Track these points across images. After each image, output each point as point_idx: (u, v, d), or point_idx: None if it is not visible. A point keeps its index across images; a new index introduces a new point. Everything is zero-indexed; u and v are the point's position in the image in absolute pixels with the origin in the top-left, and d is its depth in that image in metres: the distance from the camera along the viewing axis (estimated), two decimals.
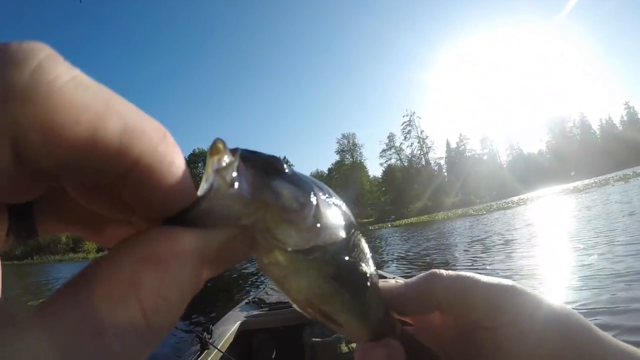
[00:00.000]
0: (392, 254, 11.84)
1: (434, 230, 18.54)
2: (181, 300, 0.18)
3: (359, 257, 0.29)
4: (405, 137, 75.48)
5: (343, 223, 0.27)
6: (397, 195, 67.24)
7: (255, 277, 11.48)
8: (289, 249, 0.23)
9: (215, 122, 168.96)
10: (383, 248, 14.59)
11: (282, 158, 0.22)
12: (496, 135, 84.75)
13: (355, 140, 79.06)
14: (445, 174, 74.55)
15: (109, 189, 0.19)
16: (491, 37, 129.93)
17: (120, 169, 0.17)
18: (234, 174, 0.21)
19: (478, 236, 11.96)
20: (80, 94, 0.15)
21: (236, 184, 0.21)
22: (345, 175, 75.03)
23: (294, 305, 0.27)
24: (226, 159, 0.21)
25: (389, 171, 73.89)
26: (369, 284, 0.30)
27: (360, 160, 77.35)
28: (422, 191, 66.03)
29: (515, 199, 41.69)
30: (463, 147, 76.07)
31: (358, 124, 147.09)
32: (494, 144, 79.71)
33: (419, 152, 74.47)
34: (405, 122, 75.60)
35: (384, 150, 76.40)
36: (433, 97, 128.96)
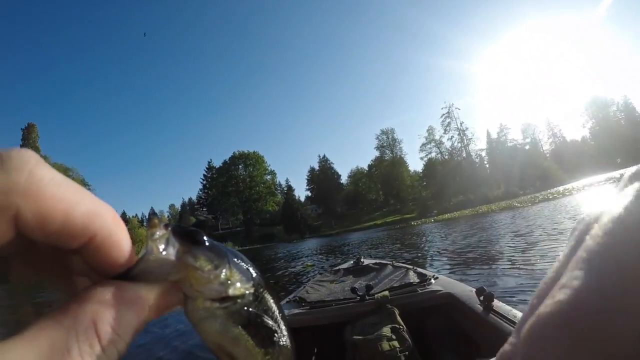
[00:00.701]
0: (434, 250, 11.39)
1: (477, 225, 17.76)
2: (129, 335, 0.25)
3: (264, 310, 0.33)
4: (445, 130, 73.99)
5: (251, 282, 0.32)
6: (439, 189, 65.85)
7: (296, 276, 11.46)
8: (206, 298, 0.29)
9: (257, 122, 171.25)
10: (425, 244, 14.12)
11: (204, 230, 0.31)
12: (538, 123, 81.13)
13: (395, 135, 78.64)
14: (487, 165, 72.68)
15: (75, 251, 0.26)
16: (531, 23, 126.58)
17: (84, 239, 0.24)
18: (164, 244, 0.28)
19: (523, 230, 11.31)
20: (58, 190, 0.22)
21: (166, 250, 0.28)
22: (385, 171, 74.54)
23: (210, 348, 0.32)
24: (159, 232, 0.28)
25: (430, 165, 72.43)
26: (274, 334, 0.34)
27: (400, 156, 76.82)
28: (463, 184, 64.38)
29: (560, 189, 40.24)
30: (504, 137, 73.64)
31: (396, 119, 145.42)
32: (536, 132, 77.61)
33: (459, 144, 72.98)
34: (444, 114, 74.34)
35: (423, 144, 74.88)
36: (472, 86, 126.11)
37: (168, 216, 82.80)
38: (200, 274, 0.29)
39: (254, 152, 77.64)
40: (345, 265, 3.60)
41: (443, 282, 2.52)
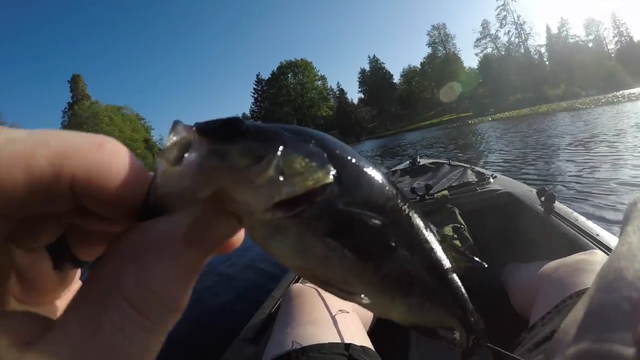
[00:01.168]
0: (491, 150, 11.02)
1: (536, 125, 16.77)
2: (173, 286, 0.19)
3: (363, 200, 0.23)
4: (501, 24, 68.93)
5: (328, 164, 0.22)
6: (495, 87, 62.52)
7: None
8: (260, 209, 0.21)
9: (302, 29, 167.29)
10: (482, 144, 13.69)
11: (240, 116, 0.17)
12: (602, 19, 73.79)
13: (447, 31, 73.76)
14: (547, 63, 67.41)
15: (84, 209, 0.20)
16: None
17: (64, 189, 0.18)
18: (181, 152, 0.20)
19: (583, 134, 10.56)
20: (10, 148, 0.17)
21: (184, 162, 0.20)
22: (438, 69, 71.20)
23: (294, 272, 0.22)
24: (177, 137, 0.21)
25: (485, 61, 68.36)
26: (386, 236, 0.24)
27: (453, 52, 72.71)
28: (522, 82, 60.61)
29: (625, 92, 36.52)
30: (565, 33, 67.59)
31: (448, 13, 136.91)
32: (600, 29, 70.15)
33: (516, 39, 68.02)
34: (499, 6, 69.06)
35: (478, 40, 70.68)
36: None
37: None
38: (236, 175, 0.21)
39: (301, 60, 76.10)
40: (401, 166, 3.54)
41: (502, 181, 2.44)
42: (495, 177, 2.51)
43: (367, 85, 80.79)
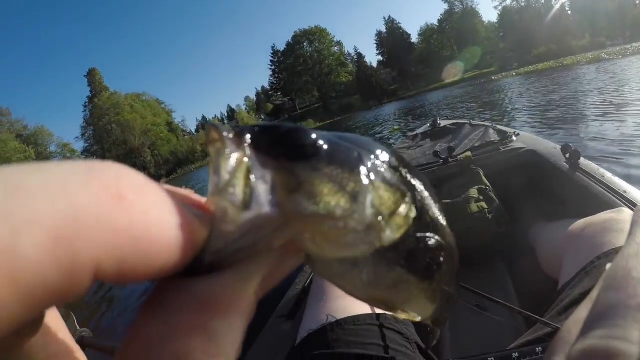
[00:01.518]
0: (515, 107, 10.62)
1: (561, 78, 15.92)
2: (238, 339, 0.17)
3: (425, 227, 0.22)
4: None
5: (408, 191, 0.20)
6: (517, 41, 59.72)
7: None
8: (346, 257, 0.18)
9: None
10: (505, 100, 13.14)
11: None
12: None
13: None
14: (569, 13, 63.17)
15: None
16: None
17: (82, 288, 0.13)
18: (246, 186, 0.16)
19: (611, 86, 9.98)
20: None
21: (251, 202, 0.16)
22: (457, 25, 68.89)
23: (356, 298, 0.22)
24: (228, 151, 0.16)
25: (505, 14, 65.41)
26: (438, 254, 0.24)
27: (471, 6, 69.77)
28: (544, 34, 57.50)
29: None
30: None
31: None
32: None
33: None
34: None
35: None
36: None
37: (246, 109, 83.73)
38: (330, 222, 0.16)
39: (316, 27, 74.87)
40: (422, 129, 3.46)
41: (525, 139, 2.38)
42: (518, 134, 2.44)
43: (385, 47, 79.01)
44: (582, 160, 1.85)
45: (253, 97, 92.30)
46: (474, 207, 1.97)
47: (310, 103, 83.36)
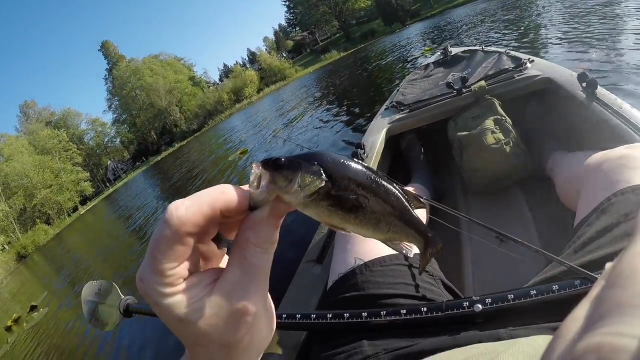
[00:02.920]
0: (548, 23, 8.94)
1: None
2: (268, 234, 0.39)
3: (344, 188, 0.41)
4: None
5: (321, 176, 0.39)
6: None
7: (415, 62, 10.99)
8: (296, 201, 0.39)
9: None
10: (536, 14, 11.20)
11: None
12: None
13: None
14: None
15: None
16: None
17: (219, 217, 0.37)
18: (259, 182, 0.39)
19: None
20: (194, 209, 0.36)
21: (260, 187, 0.38)
22: None
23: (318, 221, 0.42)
24: (255, 171, 0.39)
25: None
26: (359, 203, 0.42)
27: None
28: None
29: None
30: None
31: None
32: None
33: None
34: None
35: None
36: None
37: (266, 50, 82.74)
38: (283, 189, 0.38)
39: None
40: (433, 59, 3.36)
41: (540, 65, 2.26)
42: (533, 61, 2.32)
43: None
44: (600, 90, 1.76)
45: (272, 37, 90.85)
46: (490, 138, 1.90)
47: (331, 34, 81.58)
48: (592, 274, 0.84)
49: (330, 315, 1.03)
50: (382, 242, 0.48)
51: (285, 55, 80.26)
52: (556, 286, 0.87)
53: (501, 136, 1.92)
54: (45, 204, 43.65)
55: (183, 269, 0.37)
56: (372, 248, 1.18)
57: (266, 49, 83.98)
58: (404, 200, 0.47)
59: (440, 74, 2.92)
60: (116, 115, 64.70)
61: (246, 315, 0.37)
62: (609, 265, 0.26)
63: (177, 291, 0.36)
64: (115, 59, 63.91)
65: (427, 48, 12.95)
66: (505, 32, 10.46)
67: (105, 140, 64.44)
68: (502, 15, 14.63)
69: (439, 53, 3.41)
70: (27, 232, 38.91)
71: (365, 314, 0.99)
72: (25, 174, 43.31)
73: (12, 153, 44.85)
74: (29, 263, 28.53)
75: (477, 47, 3.07)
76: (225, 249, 0.45)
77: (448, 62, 3.10)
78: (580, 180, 1.29)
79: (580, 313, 0.26)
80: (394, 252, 1.06)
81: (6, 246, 35.86)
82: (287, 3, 75.33)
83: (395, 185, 0.46)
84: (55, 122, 57.79)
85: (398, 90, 2.93)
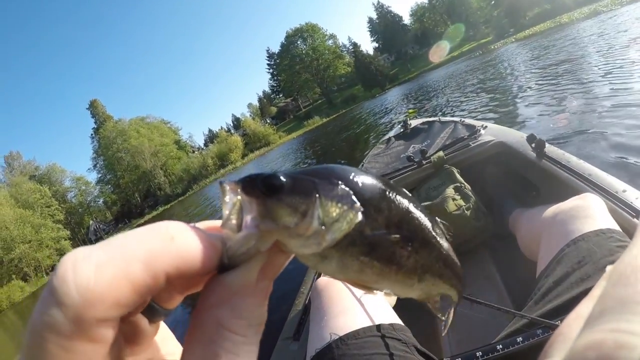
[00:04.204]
0: (520, 74, 10.54)
1: (560, 39, 15.64)
2: (256, 311, 0.27)
3: (383, 224, 0.29)
4: None
5: (355, 204, 0.28)
6: (510, 6, 56.95)
7: (366, 143, 11.22)
8: (307, 252, 0.27)
9: None
10: (508, 69, 13.04)
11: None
12: None
13: None
14: None
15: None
16: None
17: (162, 284, 0.23)
18: (239, 217, 0.26)
19: (617, 39, 9.61)
20: (108, 272, 0.21)
21: (242, 226, 0.25)
22: (447, 0, 67.89)
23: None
24: (228, 199, 0.26)
25: None
26: (404, 245, 0.31)
27: None
28: None
29: None
30: None
31: None
32: None
33: None
34: None
35: None
36: None
37: (250, 116, 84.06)
38: (288, 232, 0.26)
39: (306, 24, 74.77)
40: (393, 133, 3.54)
41: (493, 130, 2.44)
42: (486, 127, 2.50)
43: (379, 33, 78.82)
44: (548, 148, 1.91)
45: (255, 102, 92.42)
46: (451, 205, 2.05)
47: (313, 100, 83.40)
48: (552, 322, 0.90)
49: None
50: (418, 299, 0.37)
51: (269, 121, 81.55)
52: (520, 338, 0.94)
53: (462, 202, 2.05)
54: (22, 259, 42.09)
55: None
56: (346, 321, 1.19)
57: (250, 115, 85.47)
58: (447, 240, 0.38)
59: (401, 146, 3.06)
60: (100, 175, 64.38)
61: None
62: (609, 267, 0.25)
63: None
64: (103, 118, 64.15)
65: (411, 110, 13.31)
66: (470, 93, 11.26)
67: (88, 199, 63.50)
68: (468, 78, 15.54)
69: (400, 126, 3.58)
70: (2, 286, 37.42)
71: None
72: (4, 226, 42.17)
73: None
74: (2, 319, 27.63)
75: (434, 118, 3.25)
76: (160, 322, 0.32)
77: (408, 134, 3.26)
78: (538, 234, 1.39)
79: (582, 310, 0.25)
80: (367, 324, 1.17)
81: None
82: (271, 70, 77.28)
83: (435, 219, 0.37)
84: (39, 177, 57.12)
85: (362, 165, 3.08)
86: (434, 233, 0.35)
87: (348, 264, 0.28)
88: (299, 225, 0.26)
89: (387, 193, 0.30)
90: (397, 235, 0.30)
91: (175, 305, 0.31)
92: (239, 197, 0.26)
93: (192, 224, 0.27)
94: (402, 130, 3.44)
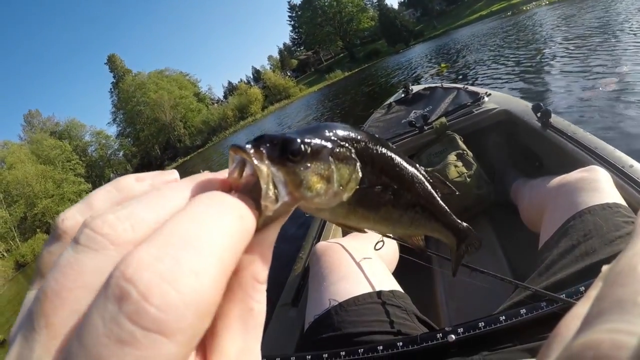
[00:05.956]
0: (552, 39, 9.86)
1: (597, 3, 14.02)
2: (270, 259, 0.27)
3: (372, 175, 0.33)
4: None
5: (356, 165, 0.31)
6: None
7: (382, 101, 11.06)
8: (323, 208, 0.30)
9: None
10: (537, 34, 12.25)
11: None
12: None
13: None
14: None
15: None
16: None
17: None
18: (273, 187, 0.26)
19: None
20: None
21: (278, 196, 0.26)
22: None
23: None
24: (262, 170, 0.26)
25: None
26: (382, 196, 0.35)
27: None
28: None
29: None
30: None
31: None
32: None
33: None
34: None
35: None
36: None
37: (270, 68, 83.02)
38: (315, 193, 0.28)
39: None
40: (394, 97, 3.48)
41: (497, 98, 2.40)
42: (490, 94, 2.46)
43: None
44: (554, 118, 1.87)
45: (276, 55, 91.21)
46: (453, 172, 2.03)
47: (335, 53, 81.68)
48: (556, 295, 0.90)
49: (309, 357, 1.04)
50: (398, 238, 0.40)
51: (289, 74, 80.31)
52: (523, 310, 0.93)
53: (463, 169, 2.03)
54: (46, 213, 42.90)
55: None
56: (345, 287, 1.18)
57: (270, 67, 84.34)
58: (430, 188, 0.41)
59: (402, 112, 3.03)
60: (120, 129, 64.77)
61: None
62: (605, 267, 0.25)
63: None
64: (122, 72, 64.10)
65: (443, 64, 12.99)
66: (494, 57, 10.77)
67: (109, 152, 64.04)
68: (495, 40, 14.95)
69: (401, 91, 3.53)
70: (26, 240, 38.32)
71: (343, 353, 1.01)
72: (27, 183, 43.03)
73: (15, 161, 44.72)
74: (27, 272, 28.45)
75: (437, 84, 3.19)
76: None
77: (409, 100, 3.21)
78: (542, 204, 1.38)
79: (579, 310, 0.25)
80: (367, 291, 1.17)
81: (5, 253, 35.46)
82: (292, 22, 75.69)
83: (417, 167, 0.40)
84: (59, 133, 57.82)
85: (363, 128, 3.02)
86: (412, 181, 0.38)
87: (337, 212, 0.32)
88: (325, 190, 0.28)
89: (379, 151, 0.34)
90: (380, 185, 0.34)
91: None
92: (266, 165, 0.26)
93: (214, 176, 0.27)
94: (403, 95, 3.38)
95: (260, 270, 0.25)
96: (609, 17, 10.25)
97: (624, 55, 5.70)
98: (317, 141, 0.29)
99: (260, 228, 0.26)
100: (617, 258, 0.25)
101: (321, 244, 1.43)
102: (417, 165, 0.39)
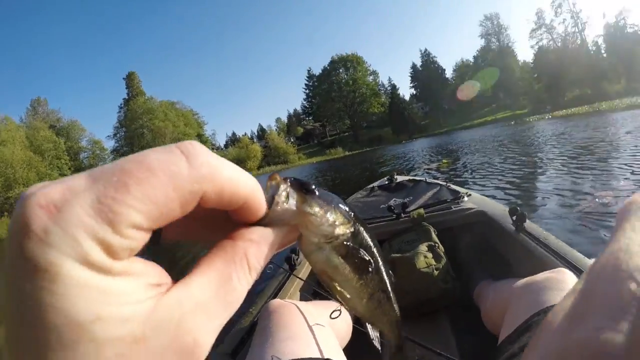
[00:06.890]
0: (551, 151, 10.51)
1: (598, 125, 15.39)
2: (264, 263, 0.31)
3: (360, 244, 0.40)
4: (556, 13, 63.53)
5: (351, 222, 0.38)
6: (552, 82, 58.45)
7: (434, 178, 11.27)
8: (317, 236, 0.36)
9: (353, 22, 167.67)
10: (540, 144, 13.01)
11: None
12: None
13: (500, 21, 70.59)
14: (604, 55, 60.11)
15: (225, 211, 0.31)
16: None
17: (240, 204, 0.29)
18: (286, 196, 0.33)
19: None
20: (228, 172, 0.27)
21: (287, 202, 0.33)
22: (492, 63, 68.01)
23: (316, 272, 0.40)
24: (282, 187, 0.33)
25: (541, 54, 63.73)
26: (367, 265, 0.41)
27: (507, 44, 69.50)
28: (579, 77, 55.84)
29: None
30: (623, 21, 58.56)
31: (501, 1, 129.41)
32: None
33: (573, 28, 62.36)
34: None
35: (533, 30, 65.65)
36: None
37: (276, 129, 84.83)
38: (314, 218, 0.34)
39: (352, 54, 75.58)
40: (378, 183, 3.57)
41: (476, 199, 2.47)
42: (470, 195, 2.54)
43: (419, 80, 78.81)
44: (528, 223, 1.93)
45: (284, 118, 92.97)
46: (422, 262, 2.04)
47: (340, 130, 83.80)
48: None
49: None
50: (365, 319, 0.46)
51: (292, 140, 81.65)
52: None
53: (432, 261, 2.04)
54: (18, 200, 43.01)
55: (143, 239, 0.23)
56: (292, 347, 1.14)
57: (276, 129, 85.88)
58: (390, 285, 0.47)
59: (383, 197, 3.08)
60: (117, 145, 64.78)
61: (195, 355, 0.25)
62: (590, 262, 0.33)
63: (123, 271, 0.22)
64: (136, 92, 65.12)
65: (444, 161, 13.40)
66: (493, 162, 11.01)
67: (99, 164, 62.96)
68: (496, 146, 15.45)
69: (385, 179, 3.60)
70: None
71: None
72: (11, 164, 42.71)
73: (7, 139, 44.43)
74: None
75: (421, 178, 3.28)
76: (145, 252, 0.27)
77: (392, 187, 3.28)
78: (505, 304, 1.35)
79: (565, 304, 0.27)
80: (314, 355, 1.12)
81: None
82: (307, 91, 77.96)
83: (384, 259, 0.46)
84: (59, 129, 57.68)
85: None
86: (386, 270, 0.45)
87: (332, 259, 0.38)
88: (321, 217, 0.35)
89: (363, 227, 0.41)
90: (367, 257, 0.40)
91: (173, 236, 0.33)
92: (288, 186, 0.34)
93: None
94: (387, 182, 3.47)
95: (253, 251, 0.30)
96: (602, 136, 11.03)
97: (615, 173, 6.16)
98: (326, 193, 0.37)
99: (266, 223, 0.32)
100: (601, 254, 0.26)
101: (275, 301, 1.40)
102: (387, 264, 0.46)
